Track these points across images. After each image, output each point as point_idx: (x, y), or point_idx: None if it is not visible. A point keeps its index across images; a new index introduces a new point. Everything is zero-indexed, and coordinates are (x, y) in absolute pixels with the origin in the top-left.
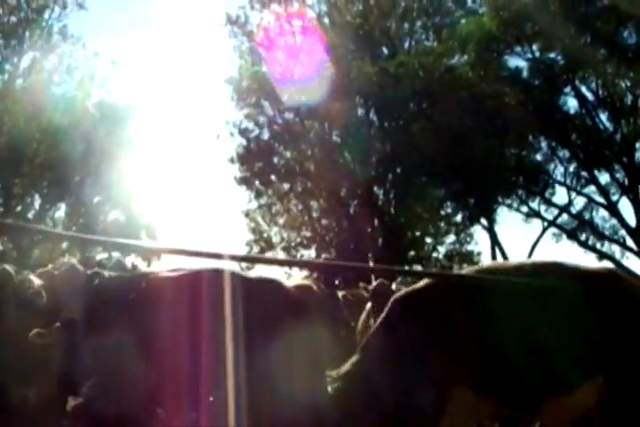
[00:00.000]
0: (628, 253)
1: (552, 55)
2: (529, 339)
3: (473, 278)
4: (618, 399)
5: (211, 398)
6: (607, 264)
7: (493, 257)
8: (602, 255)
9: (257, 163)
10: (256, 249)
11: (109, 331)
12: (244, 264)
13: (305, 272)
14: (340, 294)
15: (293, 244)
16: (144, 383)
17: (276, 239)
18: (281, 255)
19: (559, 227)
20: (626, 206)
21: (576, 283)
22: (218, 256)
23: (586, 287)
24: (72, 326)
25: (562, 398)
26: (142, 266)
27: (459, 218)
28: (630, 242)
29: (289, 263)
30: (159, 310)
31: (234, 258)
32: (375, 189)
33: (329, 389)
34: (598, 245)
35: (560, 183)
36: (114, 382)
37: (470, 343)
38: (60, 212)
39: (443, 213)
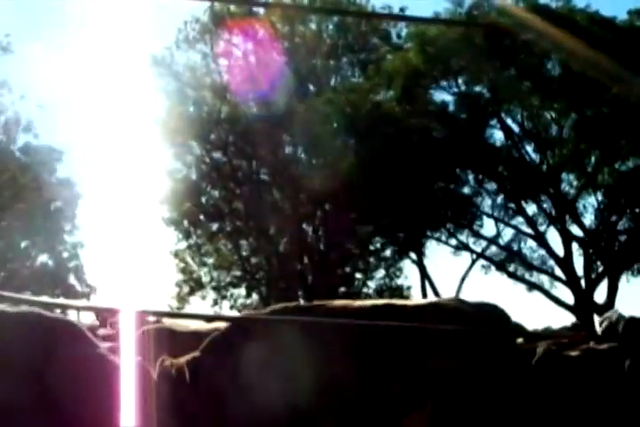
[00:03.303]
0: (556, 283)
1: (478, 89)
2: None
3: None
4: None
5: None
6: (537, 295)
7: (423, 291)
8: (531, 286)
9: (185, 203)
10: (186, 289)
11: None
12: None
13: None
14: None
15: (223, 283)
16: None
17: (205, 279)
18: (211, 295)
19: (488, 259)
20: (554, 236)
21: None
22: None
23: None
24: None
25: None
26: None
27: (388, 253)
28: (559, 271)
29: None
30: None
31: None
32: (304, 226)
33: None
34: (527, 276)
35: (488, 215)
36: None
37: None
38: None
39: (372, 248)
